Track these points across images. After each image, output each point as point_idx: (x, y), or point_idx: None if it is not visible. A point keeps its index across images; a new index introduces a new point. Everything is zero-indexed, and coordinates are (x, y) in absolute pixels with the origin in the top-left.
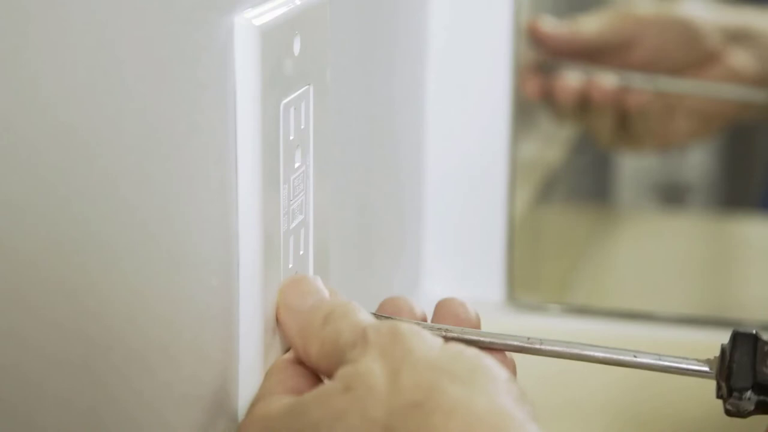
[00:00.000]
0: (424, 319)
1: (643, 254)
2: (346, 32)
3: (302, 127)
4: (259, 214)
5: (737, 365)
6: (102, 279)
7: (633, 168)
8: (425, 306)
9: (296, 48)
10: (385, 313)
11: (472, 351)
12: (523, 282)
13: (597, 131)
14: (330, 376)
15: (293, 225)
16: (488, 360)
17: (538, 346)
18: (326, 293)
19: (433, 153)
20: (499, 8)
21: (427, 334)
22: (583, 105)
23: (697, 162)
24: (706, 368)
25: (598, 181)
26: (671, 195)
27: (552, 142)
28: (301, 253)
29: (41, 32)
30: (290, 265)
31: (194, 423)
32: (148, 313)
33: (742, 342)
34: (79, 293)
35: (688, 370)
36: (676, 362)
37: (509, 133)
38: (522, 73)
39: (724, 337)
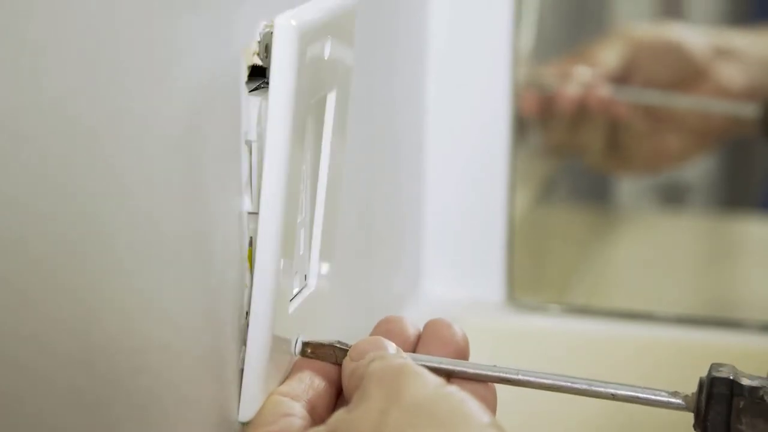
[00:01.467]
0: (417, 337)
1: (643, 254)
2: None
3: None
4: (280, 212)
5: (711, 424)
6: (105, 278)
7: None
8: (426, 306)
9: (327, 52)
10: (425, 335)
11: (461, 394)
12: (523, 282)
13: (589, 153)
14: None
15: None
16: (471, 403)
17: (514, 377)
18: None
19: (434, 153)
20: (500, 8)
21: (429, 375)
22: (576, 125)
23: (697, 162)
24: (683, 404)
25: (598, 181)
26: (671, 195)
27: (548, 145)
28: (301, 253)
29: (44, 31)
30: None
31: (195, 423)
32: (149, 313)
33: (718, 396)
34: (81, 292)
35: (666, 403)
36: (654, 395)
37: (509, 134)
38: (519, 91)
39: (724, 337)
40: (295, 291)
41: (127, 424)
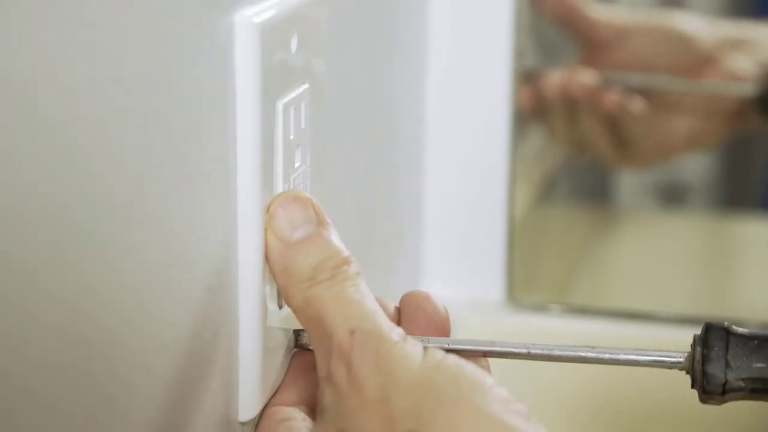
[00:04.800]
0: (447, 320)
1: (643, 254)
2: (346, 33)
3: (302, 126)
4: (258, 213)
5: (709, 373)
6: (100, 279)
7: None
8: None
9: (293, 46)
10: (407, 311)
11: (453, 359)
12: (523, 282)
13: (595, 148)
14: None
15: None
16: (469, 367)
17: (497, 349)
18: (318, 223)
19: (434, 152)
20: (500, 7)
21: (408, 345)
22: (573, 118)
23: (697, 162)
24: (680, 359)
25: (598, 181)
26: (671, 195)
27: (552, 142)
28: None
29: (37, 31)
30: None
31: (194, 423)
32: (146, 314)
33: (715, 337)
34: (77, 294)
35: (661, 361)
36: (648, 355)
37: (509, 133)
38: (516, 84)
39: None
40: None
41: (128, 425)
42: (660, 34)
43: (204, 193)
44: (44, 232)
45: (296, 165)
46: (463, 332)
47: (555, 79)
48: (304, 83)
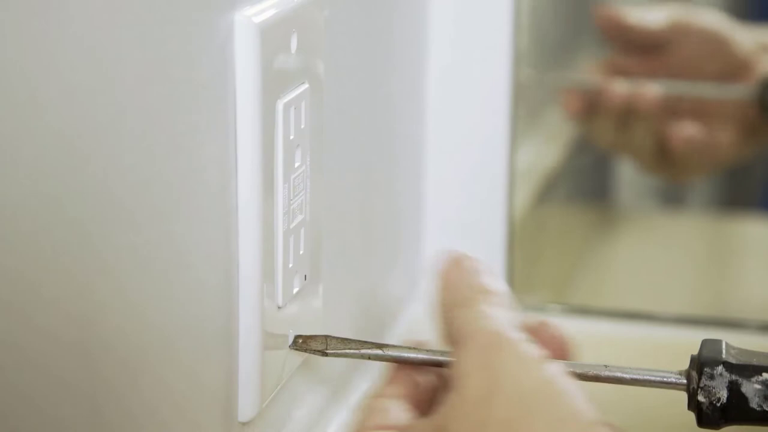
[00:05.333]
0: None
1: (643, 254)
2: (345, 32)
3: (302, 126)
4: (258, 213)
5: (705, 406)
6: (101, 279)
7: (633, 168)
8: (426, 306)
9: (293, 46)
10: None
11: (563, 382)
12: (523, 282)
13: (640, 156)
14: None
15: (293, 224)
16: (575, 393)
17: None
18: (483, 276)
19: (433, 152)
20: (501, 5)
21: (527, 351)
22: (624, 124)
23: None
24: (683, 380)
25: (598, 181)
26: (671, 195)
27: (552, 143)
28: (301, 252)
29: (37, 31)
30: (290, 265)
31: (194, 423)
32: (147, 313)
33: (708, 373)
34: (76, 294)
35: (661, 382)
36: (650, 375)
37: (509, 133)
38: (563, 92)
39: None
40: (296, 290)
41: (127, 426)
42: (701, 37)
43: (204, 192)
44: (43, 232)
45: (296, 165)
46: None
47: (619, 89)
48: (303, 83)
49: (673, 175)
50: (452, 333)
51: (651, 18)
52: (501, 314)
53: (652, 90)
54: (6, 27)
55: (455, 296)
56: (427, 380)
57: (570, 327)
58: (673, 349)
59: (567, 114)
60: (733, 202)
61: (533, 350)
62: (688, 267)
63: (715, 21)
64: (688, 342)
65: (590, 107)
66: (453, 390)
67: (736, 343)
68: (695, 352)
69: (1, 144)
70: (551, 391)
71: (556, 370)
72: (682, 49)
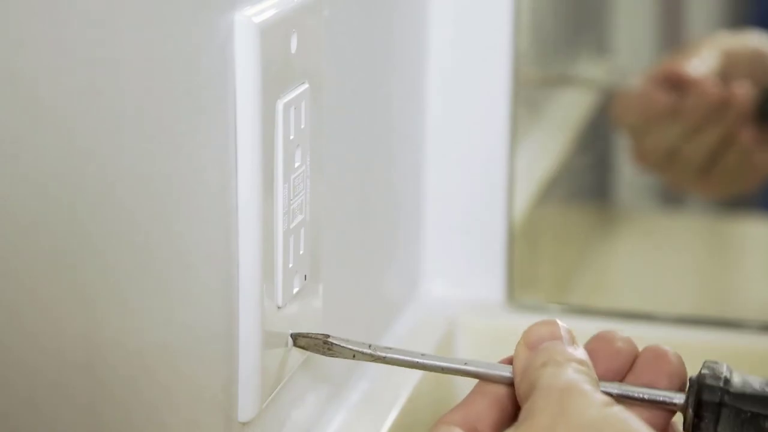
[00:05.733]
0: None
1: (643, 254)
2: (345, 32)
3: (302, 126)
4: (258, 213)
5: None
6: (101, 279)
7: (633, 168)
8: (425, 306)
9: (293, 45)
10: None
11: (625, 414)
12: (523, 282)
13: (681, 168)
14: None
15: (293, 224)
16: (637, 425)
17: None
18: (563, 340)
19: (433, 153)
20: (501, 5)
21: (596, 394)
22: (696, 131)
23: None
24: (680, 401)
25: (598, 181)
26: (671, 195)
27: (552, 143)
28: (301, 252)
29: (38, 31)
30: (290, 265)
31: (194, 423)
32: (147, 313)
33: (707, 404)
34: (77, 294)
35: (657, 401)
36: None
37: (509, 133)
38: (647, 87)
39: (724, 337)
40: (295, 290)
41: (127, 425)
42: (748, 55)
43: (204, 192)
44: (43, 232)
45: (296, 165)
46: (463, 332)
47: (714, 87)
48: (303, 83)
49: (709, 188)
50: (534, 386)
51: (706, 64)
52: (587, 377)
53: (744, 88)
54: (6, 27)
55: (545, 357)
56: (483, 404)
57: (570, 327)
58: (673, 349)
59: (651, 113)
60: (733, 202)
61: (605, 397)
62: (688, 267)
63: (757, 41)
64: (688, 342)
65: (675, 104)
66: (522, 422)
67: (737, 343)
68: (695, 352)
69: (2, 144)
70: (615, 419)
71: (620, 408)
72: (735, 74)
